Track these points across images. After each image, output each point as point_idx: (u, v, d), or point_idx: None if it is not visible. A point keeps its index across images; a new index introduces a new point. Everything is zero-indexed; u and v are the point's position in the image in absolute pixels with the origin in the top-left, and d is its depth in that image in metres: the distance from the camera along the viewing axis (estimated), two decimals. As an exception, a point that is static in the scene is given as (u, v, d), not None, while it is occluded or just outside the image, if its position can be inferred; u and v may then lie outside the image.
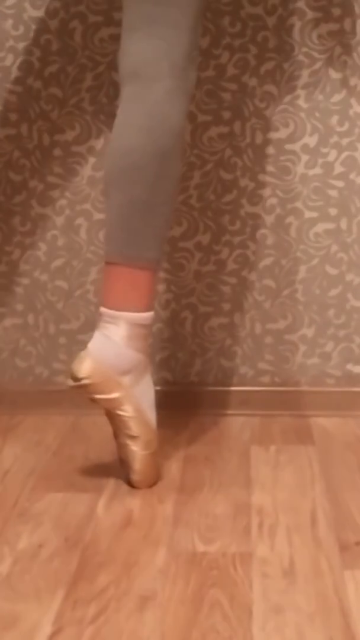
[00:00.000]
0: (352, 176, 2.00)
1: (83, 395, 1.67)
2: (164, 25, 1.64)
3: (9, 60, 2.00)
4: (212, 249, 2.04)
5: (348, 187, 2.01)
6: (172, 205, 1.69)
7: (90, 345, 1.67)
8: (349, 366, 2.06)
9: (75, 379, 1.65)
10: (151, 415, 1.70)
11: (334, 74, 1.97)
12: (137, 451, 1.67)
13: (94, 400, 1.67)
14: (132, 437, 1.67)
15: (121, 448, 1.69)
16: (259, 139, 2.00)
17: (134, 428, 1.67)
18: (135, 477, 1.68)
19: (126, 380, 1.66)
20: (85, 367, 1.64)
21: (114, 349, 1.66)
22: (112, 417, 1.68)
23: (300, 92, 1.98)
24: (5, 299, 2.08)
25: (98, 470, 1.76)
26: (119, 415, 1.66)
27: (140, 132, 1.64)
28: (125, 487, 1.69)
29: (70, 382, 1.67)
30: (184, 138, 1.70)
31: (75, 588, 1.36)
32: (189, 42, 1.67)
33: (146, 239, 1.67)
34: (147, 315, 1.68)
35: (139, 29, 1.65)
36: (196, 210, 2.03)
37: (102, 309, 1.68)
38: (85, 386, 1.64)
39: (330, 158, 2.00)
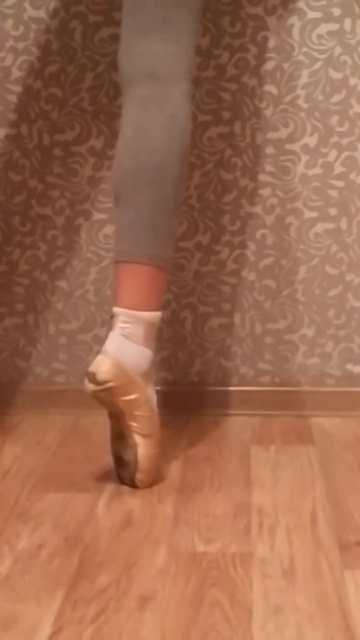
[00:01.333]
0: (352, 176, 2.00)
1: (104, 398, 1.63)
2: (177, 28, 1.66)
3: (9, 60, 2.00)
4: (212, 249, 2.04)
5: (348, 187, 2.01)
6: (182, 205, 1.71)
7: (107, 346, 1.64)
8: (349, 366, 2.06)
9: (97, 382, 1.62)
10: (157, 414, 1.70)
11: (334, 74, 1.97)
12: (149, 449, 1.67)
13: (112, 403, 1.64)
14: (145, 436, 1.67)
15: (129, 449, 1.67)
16: (259, 139, 2.00)
17: (148, 427, 1.67)
18: (141, 476, 1.68)
19: (144, 380, 1.66)
20: (106, 369, 1.62)
21: (134, 349, 1.65)
22: (124, 417, 1.66)
23: (300, 92, 1.98)
24: (5, 299, 2.08)
25: (98, 470, 1.76)
26: (136, 415, 1.66)
27: (164, 132, 1.66)
28: (125, 487, 1.69)
29: (91, 387, 1.62)
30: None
31: (75, 588, 1.36)
32: (194, 46, 1.70)
33: (170, 239, 1.68)
34: (160, 314, 1.69)
35: (153, 31, 1.67)
36: (196, 210, 2.03)
37: (120, 309, 1.66)
38: (108, 389, 1.62)
39: (330, 158, 2.00)
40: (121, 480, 1.70)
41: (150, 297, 1.66)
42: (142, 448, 1.66)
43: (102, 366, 1.62)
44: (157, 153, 1.65)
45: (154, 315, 1.67)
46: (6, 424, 2.00)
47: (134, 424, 1.66)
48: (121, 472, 1.70)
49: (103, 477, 1.73)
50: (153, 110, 1.66)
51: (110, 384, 1.62)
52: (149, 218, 1.66)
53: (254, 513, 1.58)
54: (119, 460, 1.70)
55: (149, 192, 1.65)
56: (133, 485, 1.68)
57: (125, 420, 1.66)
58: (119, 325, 1.65)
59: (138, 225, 1.66)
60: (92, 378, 1.62)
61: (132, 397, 1.64)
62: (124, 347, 1.64)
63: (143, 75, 1.67)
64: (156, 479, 1.71)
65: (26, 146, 2.02)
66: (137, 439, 1.66)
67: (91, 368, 1.63)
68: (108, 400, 1.64)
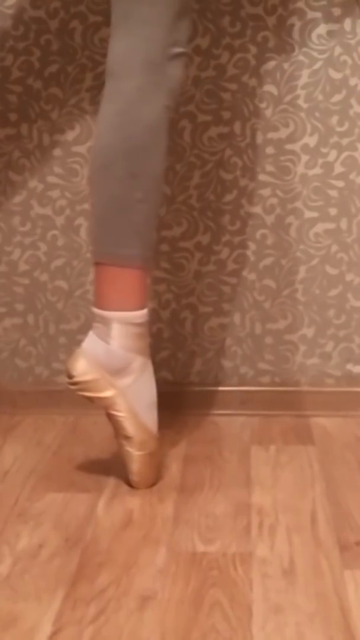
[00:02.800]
0: (352, 176, 2.00)
1: (77, 393, 1.69)
2: (138, 22, 1.64)
3: (9, 60, 2.00)
4: (212, 249, 2.04)
5: (348, 187, 2.01)
6: (153, 202, 1.68)
7: (84, 344, 1.69)
8: (349, 366, 2.06)
9: (69, 376, 1.68)
10: (148, 416, 1.70)
11: (334, 74, 1.97)
12: (132, 452, 1.68)
13: (89, 399, 1.68)
14: (127, 438, 1.67)
15: (119, 448, 1.69)
16: (259, 139, 2.00)
17: (128, 428, 1.67)
18: (134, 477, 1.68)
19: (119, 380, 1.67)
20: (78, 365, 1.67)
21: (103, 348, 1.67)
22: (109, 416, 1.69)
23: (300, 92, 1.98)
24: (5, 299, 2.08)
25: (98, 470, 1.76)
26: (113, 415, 1.67)
27: (111, 130, 1.65)
28: (125, 487, 1.69)
29: (66, 379, 1.70)
30: (164, 134, 1.67)
31: (75, 588, 1.36)
32: (165, 38, 1.65)
33: (125, 237, 1.66)
34: (137, 314, 1.67)
35: (118, 27, 1.66)
36: (196, 210, 2.03)
37: (93, 309, 1.69)
38: (77, 383, 1.67)
39: (330, 158, 2.00)
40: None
41: (116, 296, 1.67)
42: (127, 449, 1.68)
43: (74, 362, 1.68)
44: (103, 152, 1.65)
45: (125, 316, 1.67)
46: (6, 424, 2.00)
47: (116, 424, 1.68)
48: (124, 470, 1.71)
49: (103, 477, 1.73)
50: (104, 108, 1.66)
51: (77, 379, 1.67)
52: (99, 216, 1.68)
53: (254, 513, 1.58)
54: (121, 458, 1.71)
55: (99, 191, 1.67)
56: (130, 485, 1.69)
57: (111, 420, 1.70)
58: (94, 324, 1.70)
59: (94, 224, 1.69)
60: (66, 371, 1.69)
61: (104, 395, 1.67)
62: (95, 346, 1.68)
63: (107, 72, 1.68)
64: (155, 480, 1.70)
65: (26, 146, 2.02)
66: (122, 439, 1.68)
67: (67, 361, 1.70)
68: (82, 395, 1.69)
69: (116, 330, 1.67)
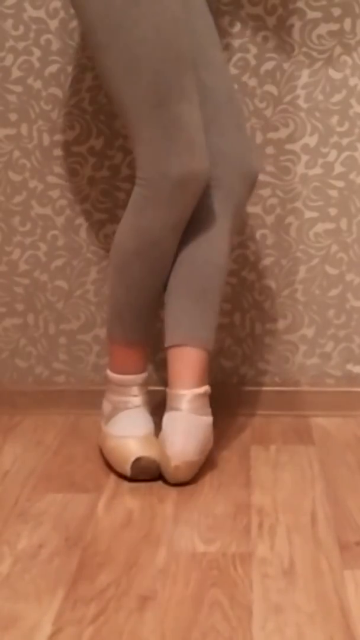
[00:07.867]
0: (352, 176, 2.00)
1: None
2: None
3: (9, 60, 2.00)
4: (212, 249, 2.04)
5: (348, 187, 2.01)
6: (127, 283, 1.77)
7: None
8: (349, 366, 2.06)
9: None
10: (115, 437, 1.76)
11: (334, 74, 1.97)
12: None
13: None
14: None
15: None
16: (258, 139, 2.00)
17: None
18: None
19: None
20: None
21: None
22: None
23: (300, 92, 1.98)
24: (5, 299, 2.08)
25: (98, 470, 1.76)
26: None
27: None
28: (125, 487, 1.69)
29: None
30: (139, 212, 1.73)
31: (75, 588, 1.36)
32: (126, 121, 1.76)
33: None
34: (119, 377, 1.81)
35: None
36: (196, 210, 2.02)
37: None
38: None
39: (330, 158, 2.00)
40: None
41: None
42: None
43: None
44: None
45: None
46: (6, 424, 2.00)
47: None
48: None
49: (103, 477, 1.73)
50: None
51: None
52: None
53: (254, 513, 1.58)
54: None
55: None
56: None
57: None
58: None
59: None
60: None
61: None
62: None
63: None
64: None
65: (26, 146, 2.02)
66: None
67: None
68: None
69: None
